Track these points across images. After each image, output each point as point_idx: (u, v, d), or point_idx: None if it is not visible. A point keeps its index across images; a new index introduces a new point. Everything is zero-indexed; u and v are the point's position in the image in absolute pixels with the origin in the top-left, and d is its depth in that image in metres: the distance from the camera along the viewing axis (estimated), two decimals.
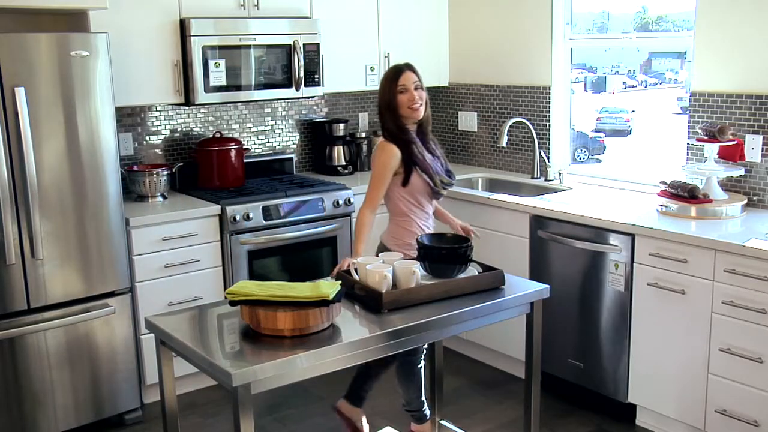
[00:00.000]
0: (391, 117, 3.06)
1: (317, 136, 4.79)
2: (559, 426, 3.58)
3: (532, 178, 4.49)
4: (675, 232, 3.20)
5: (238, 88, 4.06)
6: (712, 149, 3.56)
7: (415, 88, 3.04)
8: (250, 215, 3.88)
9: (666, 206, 3.51)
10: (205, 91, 3.93)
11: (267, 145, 4.68)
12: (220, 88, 3.98)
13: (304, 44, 4.19)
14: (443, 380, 3.25)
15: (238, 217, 3.84)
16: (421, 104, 3.05)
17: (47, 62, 3.21)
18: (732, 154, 3.53)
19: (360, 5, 4.52)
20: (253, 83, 4.11)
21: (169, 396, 2.48)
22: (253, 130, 4.61)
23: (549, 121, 4.46)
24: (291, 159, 4.69)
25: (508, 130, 4.45)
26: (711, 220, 3.36)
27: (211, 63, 3.92)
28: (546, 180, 4.42)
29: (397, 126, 3.06)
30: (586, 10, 4.59)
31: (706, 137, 3.56)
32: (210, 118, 4.44)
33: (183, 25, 3.87)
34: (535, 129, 4.46)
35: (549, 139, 4.48)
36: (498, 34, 4.63)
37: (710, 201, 3.46)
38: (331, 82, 4.42)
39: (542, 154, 4.47)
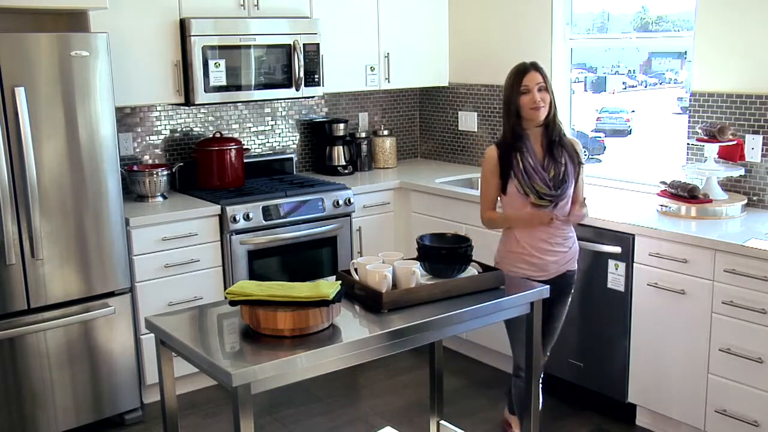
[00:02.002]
0: (509, 118, 3.00)
1: (317, 136, 4.79)
2: (559, 426, 3.58)
3: None
4: (675, 232, 3.21)
5: (238, 88, 4.06)
6: (712, 149, 3.56)
7: (539, 90, 2.96)
8: (250, 215, 3.88)
9: (666, 206, 3.51)
10: (205, 91, 3.93)
11: (267, 145, 4.68)
12: (220, 88, 3.98)
13: (304, 44, 4.19)
14: (443, 380, 3.24)
15: (238, 217, 3.84)
16: (543, 106, 2.96)
17: (47, 62, 3.21)
18: (732, 154, 3.53)
19: (360, 5, 4.52)
20: (253, 83, 4.11)
21: (169, 396, 2.48)
22: (253, 130, 4.61)
23: None
24: (291, 159, 4.69)
25: None
26: (711, 220, 3.36)
27: (211, 63, 3.92)
28: None
29: (512, 130, 2.99)
30: (586, 10, 4.58)
31: (706, 137, 3.56)
32: (210, 118, 4.44)
33: (183, 25, 3.87)
34: None
35: None
36: (498, 34, 4.63)
37: (710, 201, 3.46)
38: (331, 82, 4.42)
39: None
